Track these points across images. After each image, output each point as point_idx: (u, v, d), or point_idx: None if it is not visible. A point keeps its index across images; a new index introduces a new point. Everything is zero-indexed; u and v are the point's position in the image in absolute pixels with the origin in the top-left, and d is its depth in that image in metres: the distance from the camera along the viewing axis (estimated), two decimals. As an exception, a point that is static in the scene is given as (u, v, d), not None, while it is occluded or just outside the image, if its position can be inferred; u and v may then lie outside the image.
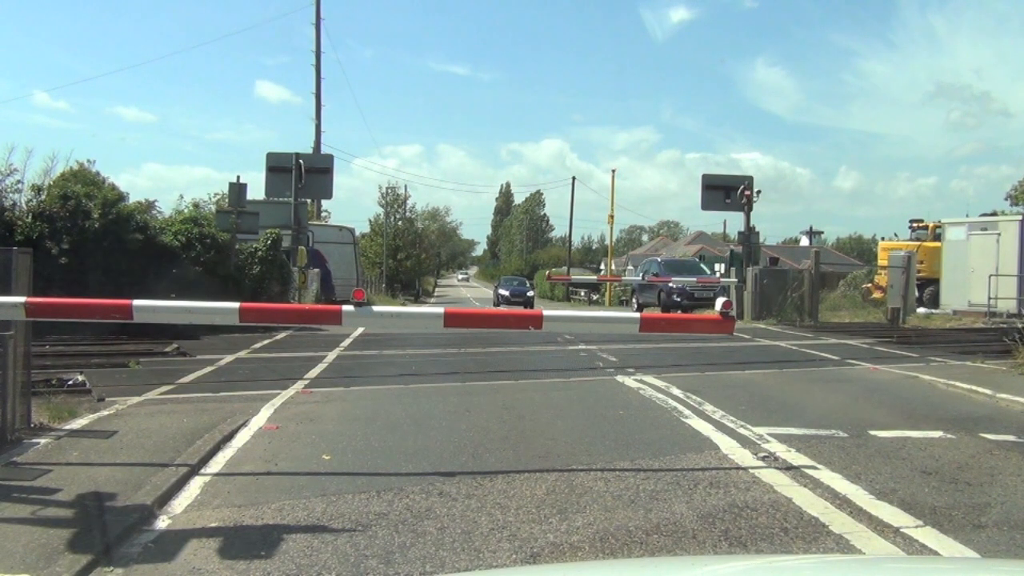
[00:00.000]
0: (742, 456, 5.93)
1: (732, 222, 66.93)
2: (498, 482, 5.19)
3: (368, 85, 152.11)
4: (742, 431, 6.75)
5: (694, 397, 8.30)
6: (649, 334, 16.46)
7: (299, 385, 8.93)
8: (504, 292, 43.39)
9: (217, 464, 5.55)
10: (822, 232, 71.49)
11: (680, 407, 7.81)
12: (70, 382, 8.81)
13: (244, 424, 6.70)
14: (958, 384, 9.65)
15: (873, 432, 6.78)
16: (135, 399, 7.87)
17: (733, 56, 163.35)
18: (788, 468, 5.61)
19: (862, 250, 75.03)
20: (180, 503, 4.72)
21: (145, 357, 11.34)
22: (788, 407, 8.14)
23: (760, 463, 5.74)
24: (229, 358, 11.40)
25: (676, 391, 8.72)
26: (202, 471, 5.33)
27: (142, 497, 4.61)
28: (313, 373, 9.93)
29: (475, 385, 9.25)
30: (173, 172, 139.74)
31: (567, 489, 5.07)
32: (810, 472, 5.49)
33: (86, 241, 14.27)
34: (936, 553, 4.06)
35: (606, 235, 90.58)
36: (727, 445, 6.27)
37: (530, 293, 43.74)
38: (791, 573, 1.92)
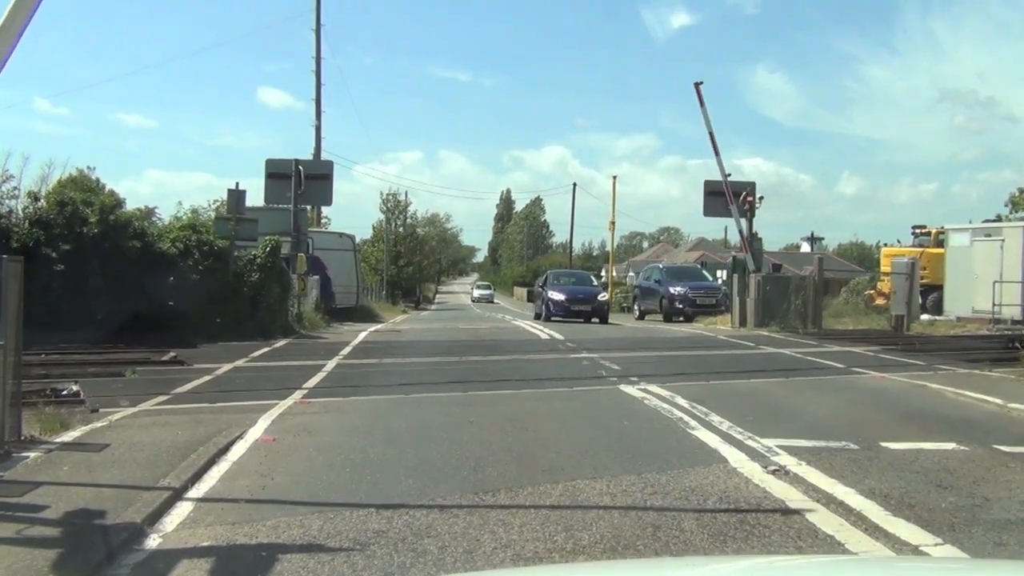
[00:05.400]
0: (751, 470, 5.76)
1: (733, 228, 67.00)
2: (501, 497, 5.03)
3: (369, 91, 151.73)
4: (750, 443, 6.58)
5: (700, 407, 8.13)
6: (651, 344, 16.29)
7: (297, 395, 8.76)
8: (558, 296, 25.66)
9: (211, 479, 5.39)
10: (823, 238, 71.41)
11: (686, 418, 7.64)
12: (64, 392, 8.67)
13: (240, 436, 6.53)
14: (967, 393, 9.48)
15: (884, 444, 6.61)
16: (130, 410, 7.71)
17: (734, 62, 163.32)
18: (799, 482, 5.44)
19: (863, 256, 74.82)
20: (172, 520, 4.56)
21: (142, 366, 11.19)
22: (796, 418, 7.97)
23: (770, 477, 5.57)
24: (227, 367, 11.23)
25: (681, 401, 8.55)
26: (195, 486, 5.17)
27: (132, 515, 4.45)
28: (312, 383, 9.77)
29: (476, 395, 9.08)
30: (174, 178, 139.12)
31: (572, 504, 4.91)
32: (822, 487, 5.32)
33: (83, 248, 14.13)
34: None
35: (607, 241, 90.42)
36: (735, 458, 6.10)
37: (602, 296, 26.91)
38: (790, 572, 1.94)
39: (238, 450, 6.15)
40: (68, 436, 6.42)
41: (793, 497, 5.08)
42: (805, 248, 65.44)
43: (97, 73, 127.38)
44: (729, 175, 22.50)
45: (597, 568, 2.67)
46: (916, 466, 5.98)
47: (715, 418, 7.59)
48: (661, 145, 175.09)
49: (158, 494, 4.80)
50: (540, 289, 28.52)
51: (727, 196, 21.99)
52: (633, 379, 10.27)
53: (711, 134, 22.22)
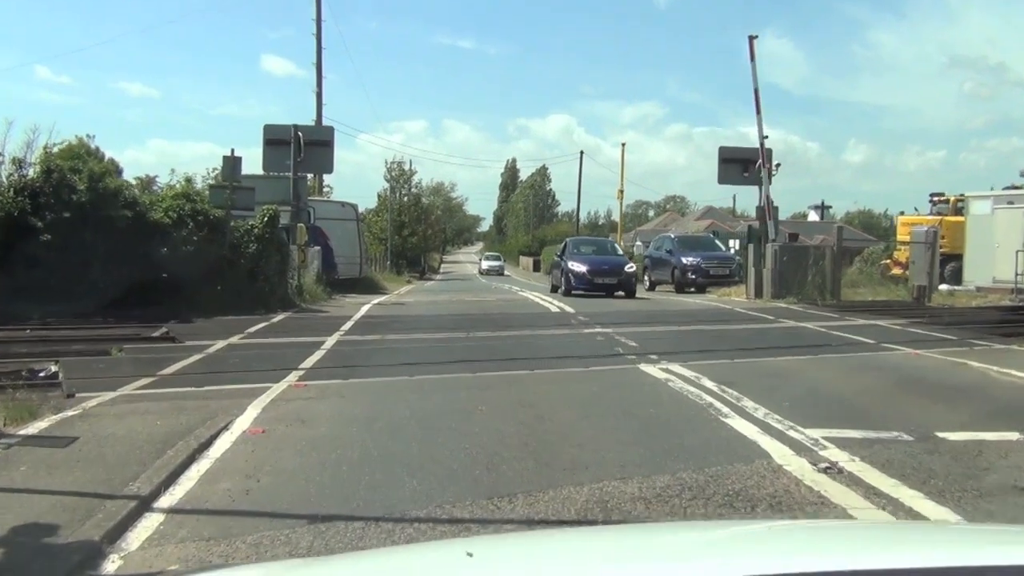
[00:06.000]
0: (799, 467, 5.09)
1: (742, 197, 65.83)
2: (519, 505, 4.37)
3: (373, 60, 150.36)
4: (792, 434, 5.91)
5: (730, 391, 7.46)
6: (667, 318, 15.50)
7: (292, 377, 8.10)
8: (579, 267, 22.69)
9: (189, 480, 4.74)
10: (831, 207, 70.19)
11: (716, 403, 6.97)
12: (41, 373, 8.02)
13: (226, 427, 5.88)
14: (1013, 372, 8.83)
15: (941, 434, 5.93)
16: (108, 395, 7.06)
17: (740, 28, 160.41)
18: (857, 483, 4.77)
19: (870, 224, 73.70)
20: (137, 535, 3.91)
21: (130, 343, 10.54)
22: (836, 402, 7.30)
23: (823, 477, 4.90)
24: (220, 344, 10.58)
25: (708, 383, 7.88)
26: (169, 491, 4.51)
27: (90, 530, 3.81)
28: (309, 362, 9.09)
29: (487, 376, 8.41)
30: (177, 148, 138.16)
31: (601, 514, 4.25)
32: (884, 489, 4.65)
33: (72, 217, 13.43)
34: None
35: (613, 210, 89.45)
36: (779, 453, 5.43)
37: (629, 267, 23.37)
38: (787, 534, 2.02)
39: (222, 444, 5.50)
40: (34, 427, 5.77)
41: (854, 503, 4.42)
42: (812, 216, 64.37)
43: (92, 38, 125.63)
44: (766, 136, 21.57)
45: (592, 533, 2.67)
46: (982, 461, 5.32)
47: (748, 403, 6.92)
48: (666, 113, 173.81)
49: (124, 503, 4.15)
50: (558, 259, 25.01)
51: (761, 159, 21.13)
52: (652, 357, 9.62)
53: (756, 91, 21.37)
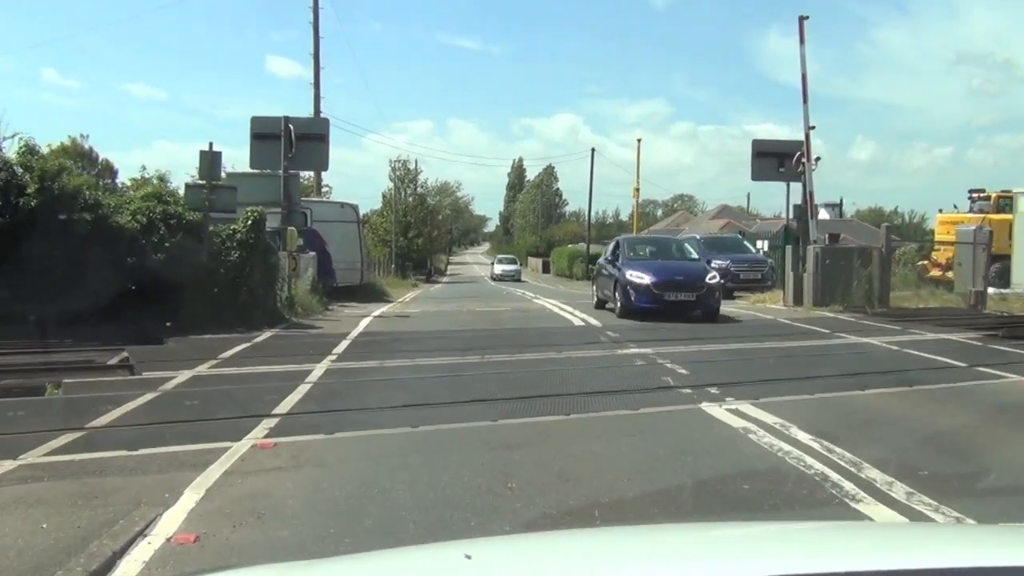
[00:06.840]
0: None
1: (756, 195, 63.80)
2: None
3: (378, 60, 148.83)
4: (966, 535, 4.04)
5: (837, 450, 5.59)
6: (707, 332, 13.29)
7: (260, 430, 6.19)
8: (641, 277, 15.74)
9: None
10: (841, 204, 68.00)
11: (830, 473, 5.10)
12: (-61, 427, 6.22)
13: (144, 532, 4.03)
14: None
15: None
16: (6, 465, 5.21)
17: (744, 26, 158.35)
18: None
19: (880, 222, 71.61)
20: None
21: (80, 373, 8.73)
22: (990, 470, 5.39)
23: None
24: (184, 376, 8.72)
25: (801, 435, 6.03)
26: None
27: None
28: (285, 405, 7.18)
29: (511, 425, 6.51)
30: (183, 150, 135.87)
31: None
32: None
33: (21, 222, 11.62)
34: None
35: (621, 210, 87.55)
36: None
37: (712, 278, 16.17)
38: (786, 534, 1.93)
39: (128, 568, 3.65)
40: None
41: None
42: (823, 215, 62.13)
43: (103, 40, 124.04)
44: (813, 127, 19.69)
45: (594, 534, 2.46)
46: None
47: (874, 474, 5.05)
48: (672, 112, 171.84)
49: None
50: (609, 264, 17.70)
51: (806, 152, 19.26)
52: (712, 391, 7.79)
53: (803, 76, 19.54)
